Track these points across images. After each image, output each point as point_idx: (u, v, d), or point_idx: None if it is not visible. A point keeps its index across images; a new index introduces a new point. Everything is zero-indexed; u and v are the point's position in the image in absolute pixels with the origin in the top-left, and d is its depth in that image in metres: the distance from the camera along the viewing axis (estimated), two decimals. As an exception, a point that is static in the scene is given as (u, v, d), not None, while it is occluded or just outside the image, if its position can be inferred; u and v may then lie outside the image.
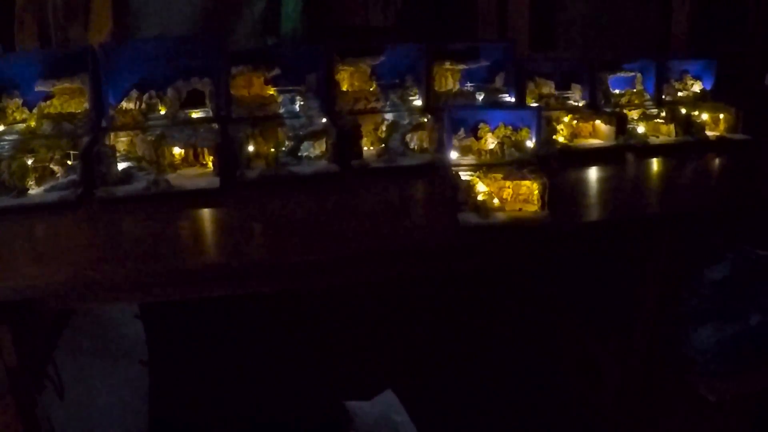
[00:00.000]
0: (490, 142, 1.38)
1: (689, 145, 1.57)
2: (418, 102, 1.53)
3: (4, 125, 1.37)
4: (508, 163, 1.30)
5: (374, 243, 1.09)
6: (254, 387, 1.78)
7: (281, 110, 1.45)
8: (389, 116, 1.49)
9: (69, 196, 1.21)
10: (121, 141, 1.35)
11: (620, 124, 1.53)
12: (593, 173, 1.42)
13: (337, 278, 1.15)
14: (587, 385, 1.56)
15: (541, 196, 1.15)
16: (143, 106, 1.41)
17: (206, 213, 1.21)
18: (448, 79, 1.60)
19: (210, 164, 1.33)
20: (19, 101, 1.39)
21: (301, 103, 1.46)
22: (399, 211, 1.24)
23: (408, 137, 1.44)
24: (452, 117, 1.37)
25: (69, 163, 1.27)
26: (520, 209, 1.16)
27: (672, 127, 1.58)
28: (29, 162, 1.25)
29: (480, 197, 1.15)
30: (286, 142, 1.38)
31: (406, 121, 1.46)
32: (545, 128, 1.44)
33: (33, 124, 1.37)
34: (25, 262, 1.02)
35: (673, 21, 2.63)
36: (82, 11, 1.87)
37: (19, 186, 1.22)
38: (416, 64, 1.53)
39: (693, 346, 1.32)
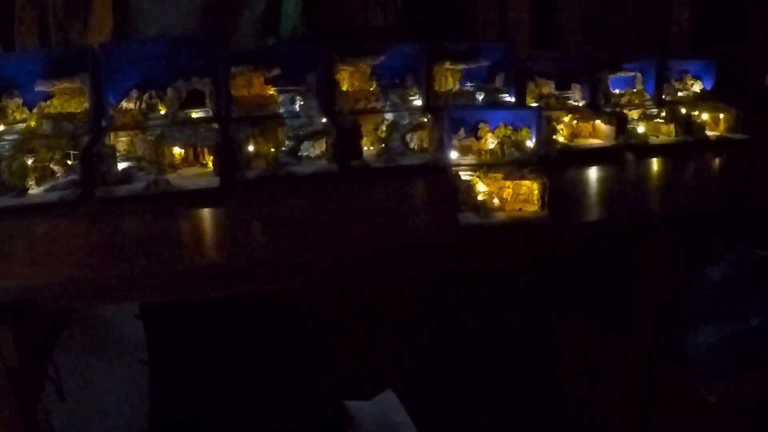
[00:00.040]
0: (490, 142, 1.38)
1: (689, 145, 1.57)
2: (418, 102, 1.53)
3: (4, 125, 1.37)
4: (508, 163, 1.30)
5: (374, 243, 1.09)
6: (254, 387, 1.78)
7: (281, 110, 1.45)
8: (389, 116, 1.49)
9: (69, 196, 1.21)
10: (121, 141, 1.35)
11: (620, 124, 1.53)
12: (593, 173, 1.42)
13: (337, 278, 1.15)
14: (587, 385, 1.56)
15: (541, 196, 1.15)
16: (143, 106, 1.40)
17: (206, 213, 1.21)
18: (448, 79, 1.60)
19: (210, 164, 1.33)
20: (19, 101, 1.39)
21: (301, 103, 1.46)
22: (399, 211, 1.24)
23: (408, 137, 1.44)
24: (452, 117, 1.37)
25: (69, 163, 1.27)
26: (520, 209, 1.16)
27: (672, 127, 1.58)
28: (29, 162, 1.25)
29: (480, 197, 1.15)
30: (286, 142, 1.38)
31: (406, 121, 1.46)
32: (545, 128, 1.44)
33: (33, 124, 1.37)
34: (25, 262, 1.02)
35: (673, 21, 2.64)
36: (82, 11, 1.87)
37: (19, 186, 1.22)
38: (416, 64, 1.53)
39: (693, 346, 1.32)
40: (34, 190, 1.23)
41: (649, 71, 1.70)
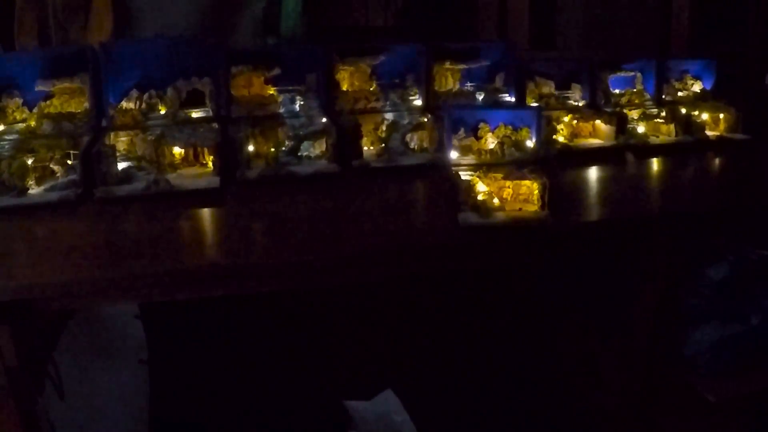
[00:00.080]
0: (490, 142, 1.38)
1: (689, 144, 1.57)
2: (418, 102, 1.53)
3: (4, 125, 1.37)
4: (508, 163, 1.30)
5: (374, 243, 1.09)
6: (254, 387, 1.78)
7: (281, 110, 1.45)
8: (389, 116, 1.49)
9: (69, 195, 1.21)
10: (121, 141, 1.35)
11: (620, 124, 1.54)
12: (593, 173, 1.42)
13: (337, 278, 1.15)
14: (587, 385, 1.56)
15: (541, 196, 1.15)
16: (143, 105, 1.40)
17: (206, 213, 1.21)
18: (448, 79, 1.60)
19: (210, 164, 1.33)
20: (19, 101, 1.39)
21: (301, 103, 1.46)
22: (399, 211, 1.24)
23: (408, 137, 1.44)
24: (452, 117, 1.37)
25: (69, 162, 1.27)
26: (520, 209, 1.16)
27: (672, 126, 1.58)
28: (29, 162, 1.25)
29: (480, 197, 1.15)
30: (286, 142, 1.38)
31: (406, 121, 1.46)
32: (545, 128, 1.44)
33: (33, 123, 1.37)
34: (25, 262, 1.02)
35: (673, 21, 2.64)
36: (82, 11, 1.87)
37: (19, 186, 1.22)
38: (416, 64, 1.53)
39: (693, 346, 1.32)
40: (34, 190, 1.23)
41: (649, 71, 1.70)
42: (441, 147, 1.38)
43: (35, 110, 1.39)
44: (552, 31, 2.75)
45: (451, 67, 1.59)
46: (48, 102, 1.41)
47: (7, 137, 1.34)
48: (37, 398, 1.09)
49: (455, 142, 1.37)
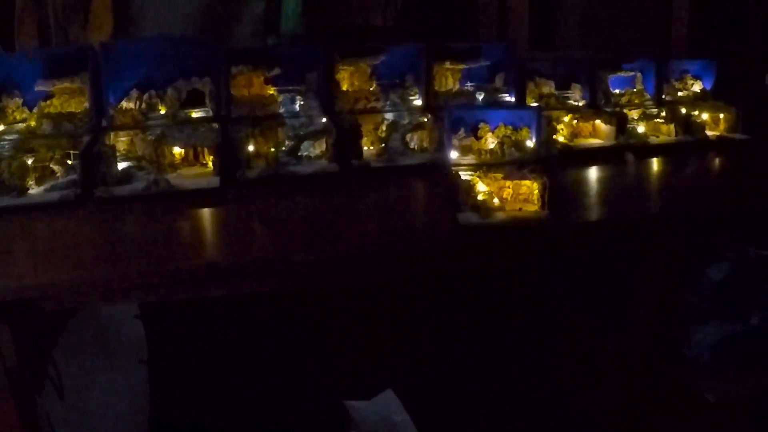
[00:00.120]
0: (490, 142, 1.38)
1: (689, 144, 1.57)
2: (418, 102, 1.53)
3: (4, 125, 1.37)
4: (508, 163, 1.30)
5: (374, 243, 1.09)
6: (254, 387, 1.78)
7: (281, 110, 1.45)
8: (389, 116, 1.49)
9: (69, 195, 1.21)
10: (121, 141, 1.35)
11: (620, 123, 1.54)
12: (593, 173, 1.42)
13: (337, 278, 1.14)
14: (587, 384, 1.56)
15: (541, 196, 1.15)
16: (143, 105, 1.40)
17: (206, 213, 1.21)
18: (448, 79, 1.60)
19: (210, 164, 1.33)
20: (19, 101, 1.39)
21: (301, 102, 1.46)
22: (399, 211, 1.24)
23: (408, 137, 1.44)
24: (452, 117, 1.37)
25: (69, 162, 1.27)
26: (520, 209, 1.16)
27: (672, 126, 1.58)
28: (29, 162, 1.25)
29: (480, 197, 1.15)
30: (286, 142, 1.38)
31: (406, 121, 1.46)
32: (545, 128, 1.44)
33: (33, 123, 1.37)
34: (25, 262, 1.02)
35: (673, 21, 2.64)
36: (82, 11, 1.87)
37: (19, 186, 1.22)
38: (416, 64, 1.53)
39: (693, 346, 1.32)
40: (34, 190, 1.23)
41: (649, 71, 1.70)
42: (441, 147, 1.38)
43: (35, 110, 1.40)
44: (552, 31, 2.75)
45: (451, 67, 1.59)
46: (48, 102, 1.41)
47: (7, 137, 1.34)
48: (37, 398, 1.09)
49: (455, 142, 1.37)
